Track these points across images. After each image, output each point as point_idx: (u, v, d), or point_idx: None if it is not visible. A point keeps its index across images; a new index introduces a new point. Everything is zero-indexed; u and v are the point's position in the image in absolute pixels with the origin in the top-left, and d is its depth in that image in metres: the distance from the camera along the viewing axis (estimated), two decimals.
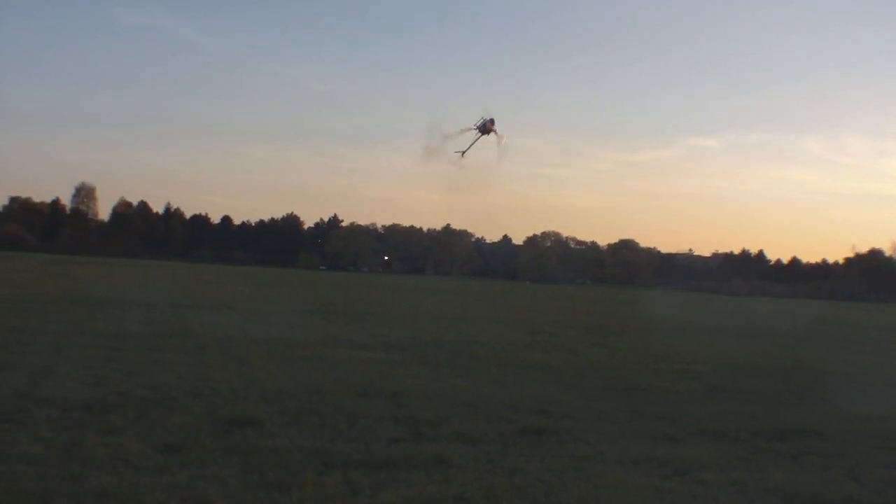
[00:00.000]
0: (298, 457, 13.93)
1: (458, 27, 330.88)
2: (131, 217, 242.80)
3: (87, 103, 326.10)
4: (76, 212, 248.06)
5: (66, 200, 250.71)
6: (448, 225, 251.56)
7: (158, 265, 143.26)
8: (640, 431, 17.78)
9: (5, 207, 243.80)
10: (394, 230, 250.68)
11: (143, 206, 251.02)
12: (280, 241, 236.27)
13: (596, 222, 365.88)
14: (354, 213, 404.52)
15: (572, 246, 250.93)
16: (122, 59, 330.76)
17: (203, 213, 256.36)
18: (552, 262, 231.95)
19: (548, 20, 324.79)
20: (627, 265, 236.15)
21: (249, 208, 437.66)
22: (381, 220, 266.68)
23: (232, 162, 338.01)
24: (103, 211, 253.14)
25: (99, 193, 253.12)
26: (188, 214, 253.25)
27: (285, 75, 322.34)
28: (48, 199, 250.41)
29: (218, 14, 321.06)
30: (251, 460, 13.50)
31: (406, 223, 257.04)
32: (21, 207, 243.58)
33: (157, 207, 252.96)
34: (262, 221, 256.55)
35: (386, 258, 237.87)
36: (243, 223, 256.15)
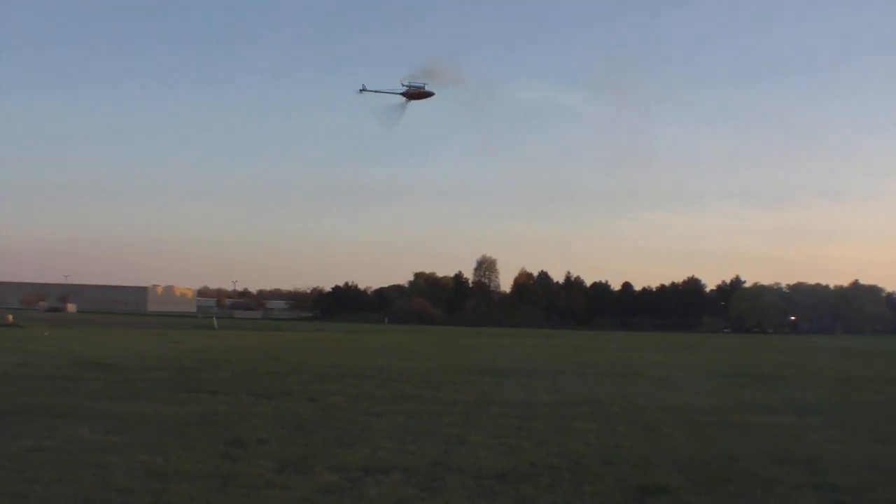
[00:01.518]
0: None
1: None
2: (532, 287, 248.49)
3: (482, 179, 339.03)
4: (478, 284, 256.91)
5: (469, 274, 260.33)
6: (856, 281, 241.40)
7: (561, 333, 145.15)
8: None
9: (411, 283, 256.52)
10: (799, 289, 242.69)
11: (544, 276, 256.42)
12: (682, 305, 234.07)
13: None
14: (757, 274, 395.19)
15: None
16: (514, 133, 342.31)
17: (603, 281, 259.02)
18: None
19: None
20: None
21: (649, 273, 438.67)
22: (785, 279, 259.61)
23: (629, 228, 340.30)
24: (505, 282, 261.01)
25: (500, 266, 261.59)
26: (588, 282, 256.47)
27: (677, 139, 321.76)
28: (451, 273, 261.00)
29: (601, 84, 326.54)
30: None
31: (811, 281, 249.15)
32: (426, 282, 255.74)
33: (558, 277, 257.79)
34: (662, 286, 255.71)
35: (792, 318, 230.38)
36: (644, 289, 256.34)
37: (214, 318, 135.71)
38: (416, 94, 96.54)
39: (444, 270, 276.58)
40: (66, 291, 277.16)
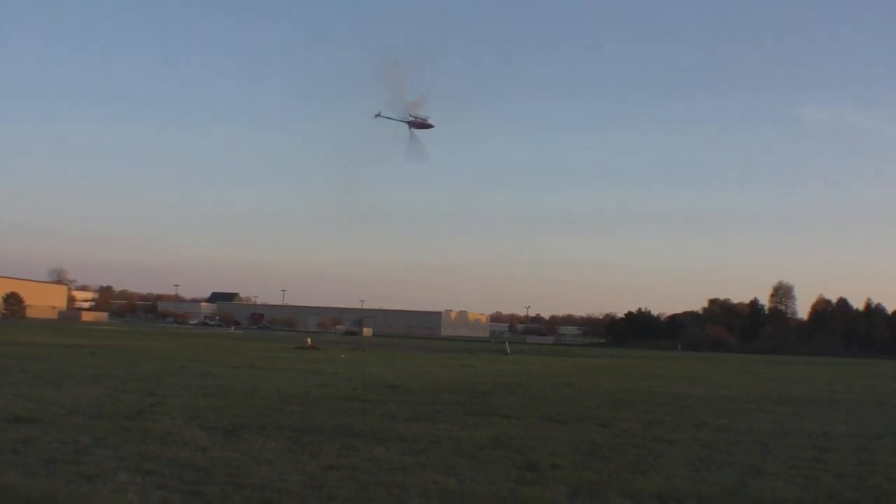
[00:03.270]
0: None
1: None
2: (831, 315, 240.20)
3: (776, 204, 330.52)
4: (775, 311, 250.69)
5: (764, 300, 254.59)
6: None
7: (861, 363, 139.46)
8: None
9: (705, 310, 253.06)
10: None
11: (843, 302, 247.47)
12: None
13: None
14: None
15: None
16: (806, 156, 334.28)
17: None
18: None
19: None
20: None
21: None
22: None
23: None
24: (802, 309, 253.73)
25: (797, 292, 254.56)
26: (890, 309, 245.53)
27: None
28: (746, 299, 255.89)
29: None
30: None
31: None
32: (721, 309, 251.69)
33: (858, 304, 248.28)
34: None
35: None
36: None
37: (507, 343, 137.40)
38: (418, 124, 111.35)
39: (740, 297, 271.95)
40: (362, 316, 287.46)
